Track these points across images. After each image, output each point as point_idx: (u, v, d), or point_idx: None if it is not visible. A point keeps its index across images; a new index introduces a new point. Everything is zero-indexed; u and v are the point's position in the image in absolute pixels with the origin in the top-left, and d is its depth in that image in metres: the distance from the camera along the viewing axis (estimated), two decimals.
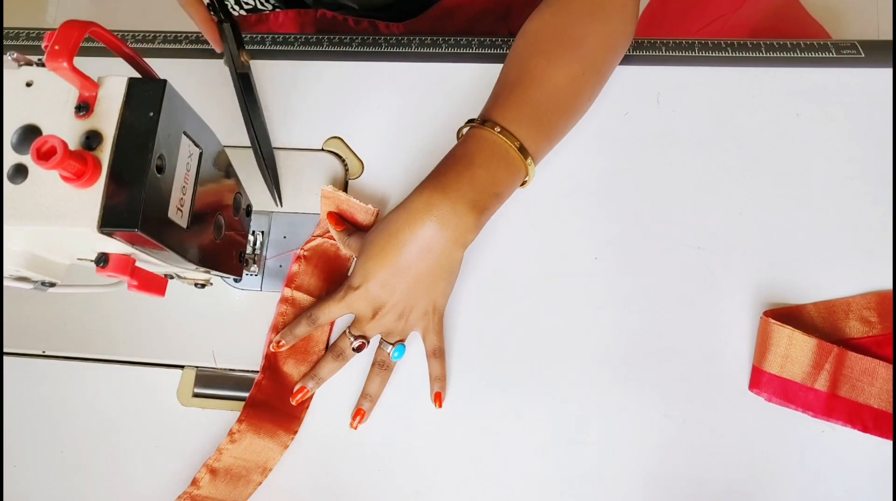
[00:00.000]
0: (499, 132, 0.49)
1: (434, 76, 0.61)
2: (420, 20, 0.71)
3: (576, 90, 0.52)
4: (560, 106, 0.51)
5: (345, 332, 0.53)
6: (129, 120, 0.36)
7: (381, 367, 0.52)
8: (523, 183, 0.52)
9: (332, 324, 0.55)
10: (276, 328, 0.54)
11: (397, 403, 0.53)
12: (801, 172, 0.55)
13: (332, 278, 0.56)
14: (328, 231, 0.56)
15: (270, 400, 0.52)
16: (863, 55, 0.58)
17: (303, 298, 0.55)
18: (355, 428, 0.52)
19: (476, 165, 0.48)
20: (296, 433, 0.52)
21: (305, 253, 0.56)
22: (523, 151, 0.49)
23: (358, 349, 0.52)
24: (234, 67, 0.56)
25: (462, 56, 0.61)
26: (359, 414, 0.52)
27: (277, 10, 0.73)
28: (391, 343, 0.53)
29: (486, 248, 0.55)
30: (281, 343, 0.53)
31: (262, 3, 0.73)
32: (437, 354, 0.52)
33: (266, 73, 0.62)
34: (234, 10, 0.76)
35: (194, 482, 0.50)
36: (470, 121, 0.51)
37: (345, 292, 0.51)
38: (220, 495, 0.50)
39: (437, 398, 0.52)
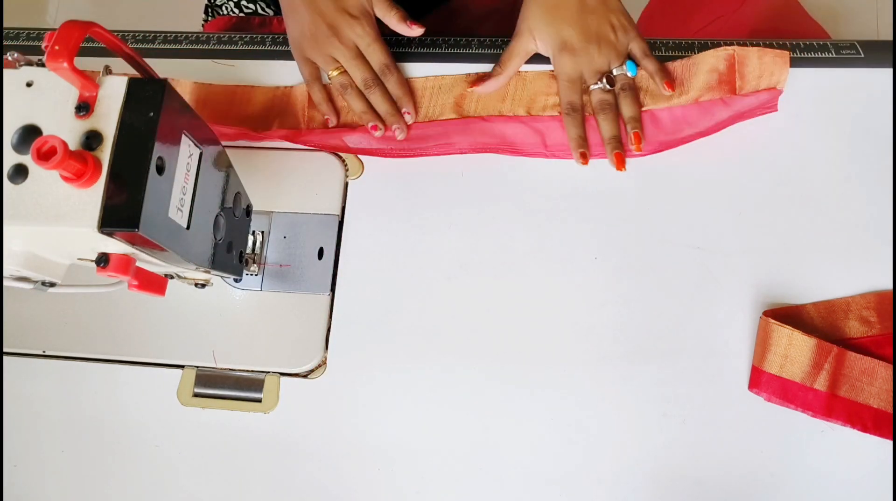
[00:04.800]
0: None
1: None
2: (426, 22, 0.71)
3: None
4: None
5: (564, 91, 0.56)
6: (129, 120, 0.36)
7: (606, 107, 0.55)
8: None
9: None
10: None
11: (397, 403, 0.53)
12: (801, 172, 0.55)
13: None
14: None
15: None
16: (862, 55, 0.58)
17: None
18: (622, 170, 0.55)
19: None
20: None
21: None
22: None
23: (610, 82, 0.56)
24: None
25: (462, 56, 0.61)
26: (617, 157, 0.55)
27: (280, 16, 0.73)
28: (619, 65, 0.56)
29: (487, 248, 0.55)
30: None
31: (263, 9, 0.73)
32: (647, 54, 0.56)
33: (266, 73, 0.62)
34: (233, 13, 0.76)
35: None
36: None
37: (559, 55, 0.54)
38: None
39: (668, 85, 0.55)
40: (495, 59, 0.60)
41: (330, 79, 0.58)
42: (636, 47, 0.57)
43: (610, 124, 0.55)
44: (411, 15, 0.71)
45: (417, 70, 0.61)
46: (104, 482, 0.53)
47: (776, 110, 0.56)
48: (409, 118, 0.58)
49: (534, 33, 0.56)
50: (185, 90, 0.61)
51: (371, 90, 0.58)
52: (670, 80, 0.56)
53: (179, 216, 0.40)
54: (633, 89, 0.56)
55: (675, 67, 0.57)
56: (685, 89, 0.56)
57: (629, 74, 0.56)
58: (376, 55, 0.57)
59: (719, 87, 0.55)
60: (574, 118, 0.56)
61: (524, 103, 0.58)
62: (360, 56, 0.57)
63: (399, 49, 0.62)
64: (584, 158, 0.55)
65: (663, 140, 0.56)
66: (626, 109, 0.56)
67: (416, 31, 0.58)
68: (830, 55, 0.58)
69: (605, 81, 0.56)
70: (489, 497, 0.50)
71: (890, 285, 0.52)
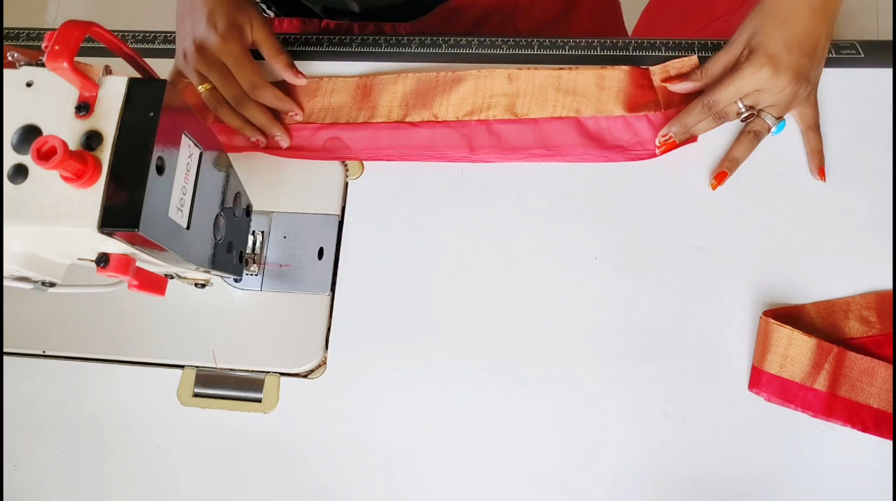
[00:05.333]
0: None
1: None
2: (426, 21, 0.71)
3: None
4: None
5: (724, 90, 0.52)
6: (129, 120, 0.36)
7: (755, 136, 0.54)
8: None
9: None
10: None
11: (397, 403, 0.53)
12: (801, 172, 0.55)
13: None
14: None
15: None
16: (862, 55, 0.58)
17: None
18: (714, 188, 0.54)
19: None
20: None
21: None
22: None
23: (746, 119, 0.54)
24: None
25: (463, 56, 0.61)
26: (721, 175, 0.54)
27: (281, 17, 0.73)
28: (775, 117, 0.54)
29: (487, 248, 0.55)
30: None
31: (265, 10, 0.73)
32: (816, 127, 0.55)
33: (266, 73, 0.62)
34: None
35: None
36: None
37: (758, 63, 0.50)
38: None
39: (821, 172, 0.54)
40: (496, 59, 0.60)
41: (201, 94, 0.57)
42: (810, 115, 0.55)
43: (707, 127, 0.55)
44: (411, 15, 0.71)
45: (418, 70, 0.61)
46: (104, 482, 0.53)
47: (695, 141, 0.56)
48: (297, 117, 0.58)
49: (751, 43, 0.51)
50: None
51: (243, 107, 0.57)
52: (823, 167, 0.54)
53: (179, 216, 0.40)
54: (758, 142, 0.55)
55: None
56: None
57: (772, 129, 0.54)
58: (243, 75, 0.56)
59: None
60: (703, 113, 0.53)
61: (454, 108, 0.58)
62: (228, 73, 0.56)
63: (399, 49, 0.62)
64: (667, 147, 0.55)
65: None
66: (740, 151, 0.55)
67: (300, 80, 0.58)
68: (830, 55, 0.58)
69: (746, 111, 0.53)
70: (489, 497, 0.50)
71: (890, 285, 0.52)
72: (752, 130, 0.55)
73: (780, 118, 0.54)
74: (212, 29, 0.55)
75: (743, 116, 0.54)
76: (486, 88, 0.58)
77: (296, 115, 0.58)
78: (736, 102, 0.53)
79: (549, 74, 0.58)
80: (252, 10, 0.57)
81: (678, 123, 0.54)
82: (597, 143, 0.56)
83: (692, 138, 0.56)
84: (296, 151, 0.59)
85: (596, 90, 0.57)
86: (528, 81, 0.58)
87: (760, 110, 0.54)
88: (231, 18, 0.55)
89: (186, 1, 0.56)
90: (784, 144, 0.56)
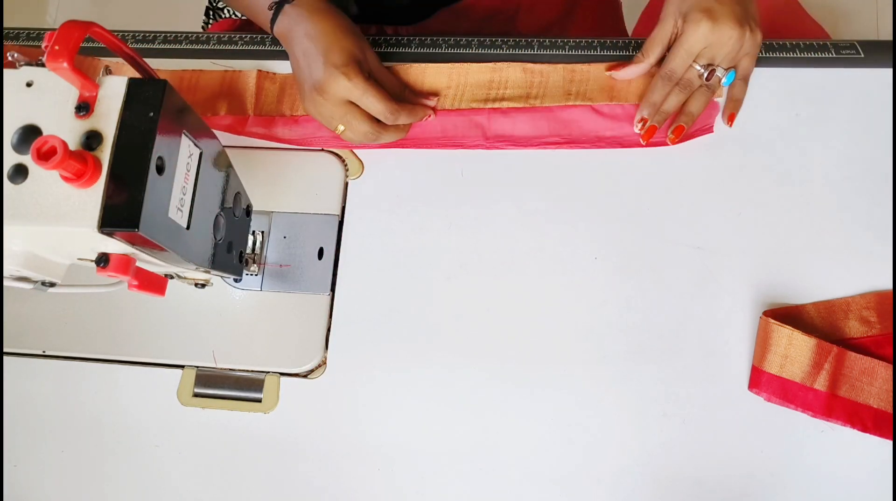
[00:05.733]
0: None
1: None
2: (428, 24, 0.71)
3: None
4: None
5: (676, 56, 0.53)
6: (129, 120, 0.36)
7: (708, 89, 0.55)
8: None
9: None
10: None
11: (397, 403, 0.53)
12: (800, 172, 0.55)
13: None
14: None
15: None
16: (862, 55, 0.58)
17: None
18: (673, 143, 0.55)
19: None
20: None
21: None
22: None
23: (709, 79, 0.54)
24: None
25: (462, 56, 0.61)
26: (678, 130, 0.55)
27: None
28: (724, 68, 0.54)
29: (487, 248, 0.55)
30: (643, 120, 0.55)
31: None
32: (746, 79, 0.56)
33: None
34: (235, 16, 0.76)
35: None
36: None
37: (695, 20, 0.51)
38: None
39: (731, 118, 0.56)
40: (495, 59, 0.60)
41: (340, 136, 0.56)
42: (748, 64, 0.55)
43: (677, 101, 0.55)
44: (416, 17, 0.70)
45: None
46: (104, 482, 0.53)
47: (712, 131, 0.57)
48: (431, 118, 0.58)
49: (681, 11, 0.53)
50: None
51: (380, 136, 0.56)
52: (735, 115, 0.56)
53: (179, 216, 0.40)
54: (712, 94, 0.56)
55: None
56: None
57: (722, 81, 0.55)
58: (374, 106, 0.53)
59: None
60: (665, 86, 0.55)
61: (466, 97, 0.59)
62: (357, 110, 0.54)
63: (399, 49, 0.62)
64: (648, 132, 0.55)
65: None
66: (695, 105, 0.55)
67: (431, 115, 0.58)
68: (830, 55, 0.58)
69: (706, 71, 0.54)
70: (489, 497, 0.50)
71: (890, 285, 0.52)
72: (703, 84, 0.55)
73: (729, 69, 0.54)
74: (330, 69, 0.52)
75: (704, 76, 0.54)
76: (501, 79, 0.59)
77: (429, 117, 0.58)
78: (692, 66, 0.54)
79: (563, 66, 0.59)
80: (363, 39, 0.56)
81: (647, 104, 0.55)
82: (611, 128, 0.57)
83: (707, 128, 0.56)
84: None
85: (609, 80, 0.58)
86: (543, 73, 0.59)
87: (717, 66, 0.54)
88: (347, 53, 0.53)
89: (299, 45, 0.54)
90: (784, 143, 0.56)
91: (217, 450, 0.53)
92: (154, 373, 0.55)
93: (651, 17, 0.87)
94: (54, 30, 0.34)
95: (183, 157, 0.40)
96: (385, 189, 0.58)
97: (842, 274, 0.52)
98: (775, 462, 0.49)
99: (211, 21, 0.80)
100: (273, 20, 0.55)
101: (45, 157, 0.33)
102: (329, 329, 0.55)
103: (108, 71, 0.38)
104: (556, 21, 0.74)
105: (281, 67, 0.62)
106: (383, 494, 0.51)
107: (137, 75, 0.40)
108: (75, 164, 0.33)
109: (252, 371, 0.54)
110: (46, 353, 0.56)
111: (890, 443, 0.48)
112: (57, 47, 0.34)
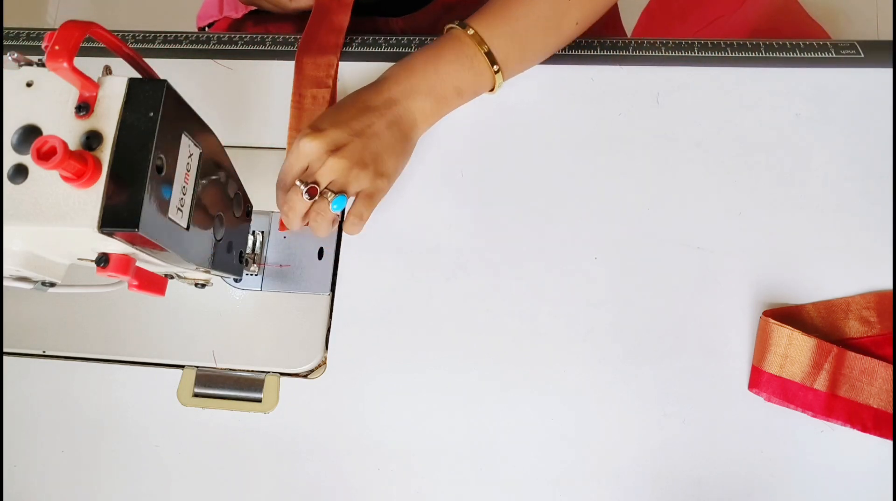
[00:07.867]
0: (471, 35, 0.54)
1: None
2: (419, 16, 0.71)
3: (560, 12, 0.55)
4: (539, 24, 0.55)
5: (283, 165, 0.51)
6: (129, 120, 0.36)
7: (317, 214, 0.51)
8: (491, 89, 0.56)
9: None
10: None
11: (397, 403, 0.53)
12: (801, 172, 0.55)
13: None
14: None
15: None
16: (862, 55, 0.58)
17: None
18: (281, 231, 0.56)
19: (443, 60, 0.54)
20: None
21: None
22: (490, 56, 0.54)
23: (310, 194, 0.50)
24: None
25: None
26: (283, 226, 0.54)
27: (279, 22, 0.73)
28: (333, 191, 0.50)
29: (486, 248, 0.55)
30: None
31: None
32: (362, 215, 0.53)
33: (266, 73, 0.63)
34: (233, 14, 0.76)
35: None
36: (453, 22, 0.56)
37: (303, 135, 0.49)
38: None
39: (283, 227, 0.54)
40: None
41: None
42: (360, 210, 0.53)
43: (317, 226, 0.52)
44: (405, 10, 0.70)
45: None
46: (104, 482, 0.53)
47: None
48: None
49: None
50: None
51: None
52: (353, 229, 0.53)
53: (179, 216, 0.40)
54: (324, 218, 0.52)
55: None
56: None
57: (330, 204, 0.50)
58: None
59: None
60: (282, 194, 0.51)
61: None
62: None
63: (399, 49, 0.62)
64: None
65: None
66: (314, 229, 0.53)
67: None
68: (830, 55, 0.58)
69: (304, 187, 0.50)
70: (489, 497, 0.50)
71: (890, 285, 0.52)
72: (311, 212, 0.51)
73: (338, 193, 0.50)
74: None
75: (303, 192, 0.50)
76: None
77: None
78: (298, 188, 0.50)
79: None
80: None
81: (282, 210, 0.52)
82: None
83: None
84: None
85: None
86: None
87: (325, 190, 0.51)
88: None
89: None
90: (784, 144, 0.56)
91: (217, 450, 0.53)
92: (154, 373, 0.55)
93: (651, 17, 0.87)
94: (54, 30, 0.34)
95: (183, 157, 0.40)
96: None
97: (842, 274, 0.52)
98: (775, 462, 0.49)
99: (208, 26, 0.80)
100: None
101: (45, 157, 0.33)
102: (329, 329, 0.55)
103: (108, 71, 0.38)
104: None
105: (281, 67, 0.62)
106: (383, 494, 0.51)
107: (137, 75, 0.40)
108: (75, 164, 0.33)
109: (252, 371, 0.54)
110: (46, 353, 0.56)
111: (890, 443, 0.48)
112: (57, 47, 0.34)
